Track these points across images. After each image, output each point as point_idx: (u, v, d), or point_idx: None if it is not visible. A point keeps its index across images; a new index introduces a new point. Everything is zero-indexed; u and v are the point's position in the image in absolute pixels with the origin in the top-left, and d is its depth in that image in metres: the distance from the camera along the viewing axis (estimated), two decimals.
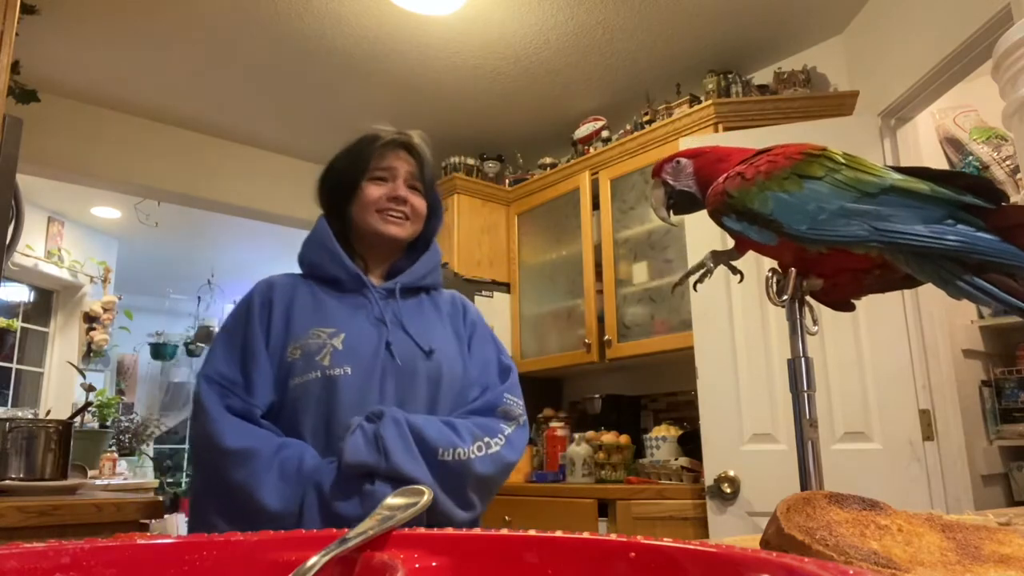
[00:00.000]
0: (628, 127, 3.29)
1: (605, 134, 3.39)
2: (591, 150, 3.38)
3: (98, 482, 4.11)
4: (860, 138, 2.51)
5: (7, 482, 1.65)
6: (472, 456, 1.16)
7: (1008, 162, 2.78)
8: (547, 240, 3.56)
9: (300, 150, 4.03)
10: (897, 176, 0.83)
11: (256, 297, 1.29)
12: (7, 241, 1.80)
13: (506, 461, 1.22)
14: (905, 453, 2.28)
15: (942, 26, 2.28)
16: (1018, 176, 2.74)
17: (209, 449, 1.14)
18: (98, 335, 5.28)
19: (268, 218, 4.11)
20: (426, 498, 0.48)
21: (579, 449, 2.96)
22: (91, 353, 5.27)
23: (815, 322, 0.88)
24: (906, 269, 0.81)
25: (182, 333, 7.08)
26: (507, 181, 3.81)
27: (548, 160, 3.65)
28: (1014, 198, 2.65)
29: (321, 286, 1.31)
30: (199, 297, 6.78)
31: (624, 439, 2.98)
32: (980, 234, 0.77)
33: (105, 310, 5.35)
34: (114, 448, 5.41)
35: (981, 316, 2.90)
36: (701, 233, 2.54)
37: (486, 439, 1.20)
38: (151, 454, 6.43)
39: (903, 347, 2.36)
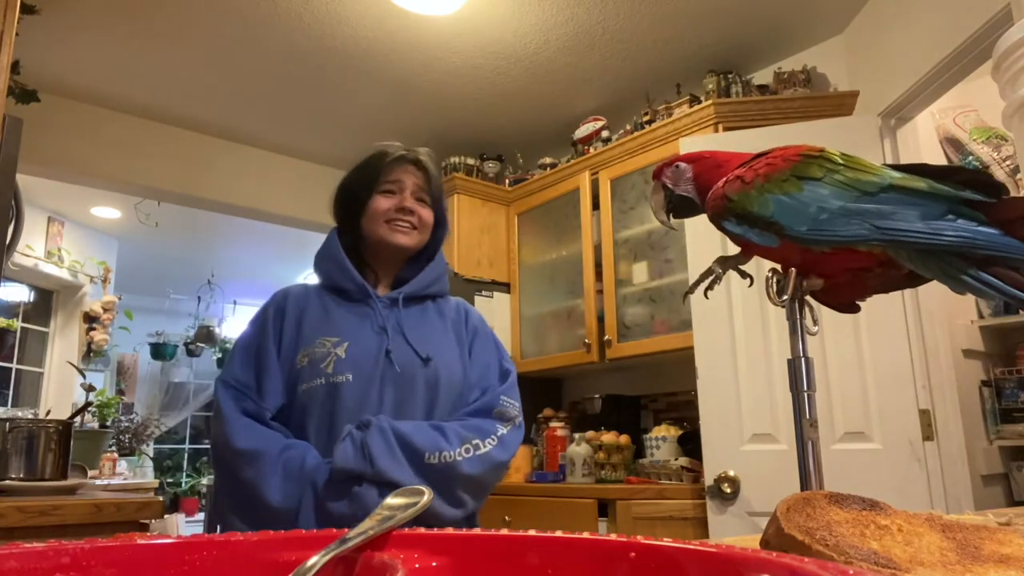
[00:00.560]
0: (628, 127, 3.29)
1: (605, 134, 3.39)
2: (591, 150, 3.38)
3: (98, 482, 4.11)
4: (860, 138, 2.51)
5: (7, 482, 1.65)
6: (459, 458, 1.22)
7: (1008, 162, 2.79)
8: (547, 240, 3.56)
9: (300, 150, 4.03)
10: (896, 175, 0.83)
11: (271, 307, 1.39)
12: (7, 241, 1.80)
13: (496, 461, 1.28)
14: (905, 453, 2.28)
15: (942, 26, 2.28)
16: (1018, 176, 2.74)
17: (223, 449, 1.23)
18: (98, 335, 5.28)
19: (268, 218, 4.11)
20: (426, 498, 0.48)
21: (579, 449, 2.96)
22: (91, 353, 5.28)
23: (815, 322, 0.88)
24: (910, 266, 0.81)
25: (182, 333, 7.08)
26: (507, 181, 3.81)
27: (548, 160, 3.65)
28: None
29: (332, 296, 1.39)
30: (199, 297, 6.78)
31: (624, 439, 2.98)
32: (981, 228, 0.77)
33: (105, 310, 5.35)
34: (114, 448, 5.41)
35: (981, 316, 2.90)
36: (701, 233, 2.54)
37: (475, 440, 1.26)
38: (151, 454, 6.43)
39: (903, 347, 2.36)
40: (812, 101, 2.75)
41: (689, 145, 2.61)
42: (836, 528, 0.49)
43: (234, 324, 7.30)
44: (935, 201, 0.80)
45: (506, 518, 2.89)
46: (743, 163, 0.92)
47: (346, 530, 0.42)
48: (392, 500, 0.48)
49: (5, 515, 1.38)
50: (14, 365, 4.99)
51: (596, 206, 3.29)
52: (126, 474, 5.23)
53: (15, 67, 2.40)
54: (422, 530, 0.44)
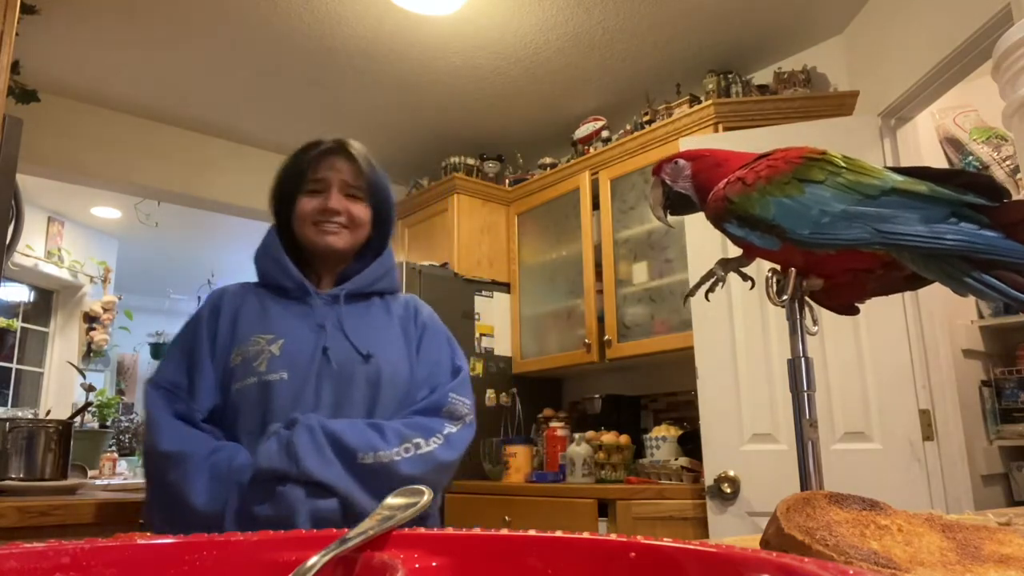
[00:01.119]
0: (628, 127, 3.29)
1: (605, 134, 3.39)
2: (591, 150, 3.38)
3: (98, 482, 4.10)
4: (860, 138, 2.51)
5: (7, 482, 1.65)
6: (396, 458, 1.18)
7: (1008, 162, 2.79)
8: (547, 240, 3.56)
9: None
10: (897, 178, 0.83)
11: (207, 306, 1.35)
12: (7, 241, 1.80)
13: (440, 461, 1.23)
14: (905, 453, 2.28)
15: (942, 26, 2.28)
16: (1018, 176, 2.74)
17: (150, 452, 1.20)
18: (98, 335, 5.28)
19: (268, 218, 4.10)
20: (426, 498, 0.48)
21: (579, 449, 2.96)
22: (91, 353, 5.28)
23: (815, 322, 0.88)
24: (912, 267, 0.81)
25: None
26: (507, 181, 3.81)
27: (548, 160, 3.65)
28: (1015, 198, 2.65)
29: (270, 294, 1.35)
30: (199, 297, 6.75)
31: (624, 439, 2.98)
32: (983, 232, 0.77)
33: (105, 310, 5.35)
34: (114, 448, 5.40)
35: (981, 316, 2.90)
36: (701, 233, 2.54)
37: (417, 439, 1.21)
38: None
39: (903, 347, 2.36)
40: (812, 101, 2.75)
41: (689, 145, 2.60)
42: (836, 528, 0.49)
43: None
44: (937, 204, 0.79)
45: (506, 518, 2.89)
46: (744, 164, 0.92)
47: (346, 530, 0.42)
48: (392, 500, 0.48)
49: (5, 515, 1.38)
50: (14, 365, 4.99)
51: (596, 206, 3.29)
52: (126, 474, 5.22)
53: (15, 67, 2.40)
54: (422, 530, 0.44)
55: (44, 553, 0.35)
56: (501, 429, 3.42)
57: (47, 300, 5.28)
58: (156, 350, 6.95)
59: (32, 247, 4.78)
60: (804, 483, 0.83)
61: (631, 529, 2.49)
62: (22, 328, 5.05)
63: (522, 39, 2.98)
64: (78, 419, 3.12)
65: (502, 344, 3.55)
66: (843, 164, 0.85)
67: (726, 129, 2.75)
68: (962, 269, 0.78)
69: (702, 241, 2.54)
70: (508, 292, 3.63)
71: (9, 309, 4.97)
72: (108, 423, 4.78)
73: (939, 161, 2.95)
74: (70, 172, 3.48)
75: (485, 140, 3.85)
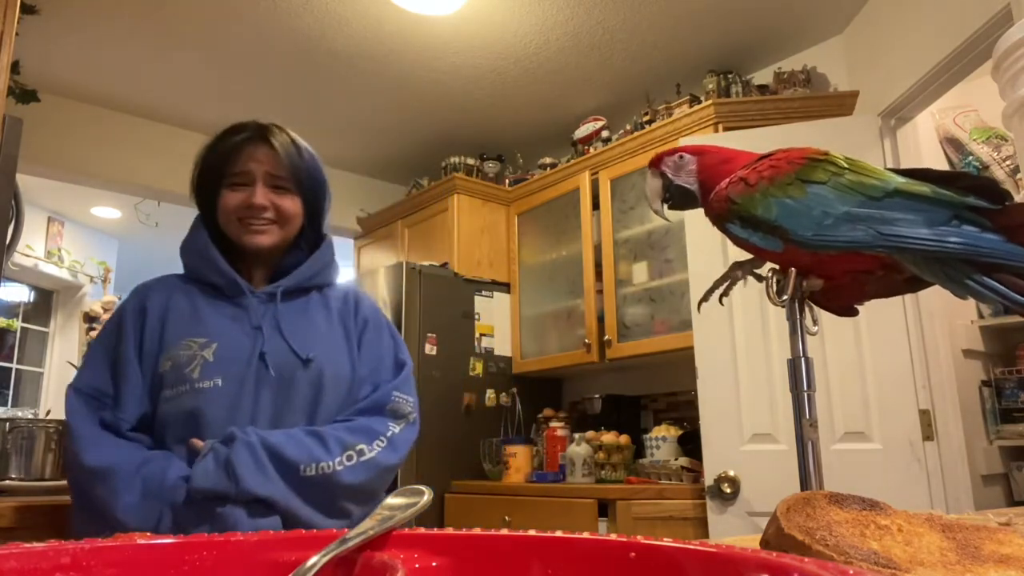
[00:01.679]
0: (628, 127, 3.29)
1: (605, 134, 3.39)
2: (591, 150, 3.38)
3: None
4: (860, 138, 2.51)
5: (7, 482, 1.65)
6: (339, 467, 1.12)
7: (1008, 162, 2.79)
8: (547, 240, 3.56)
9: None
10: (900, 179, 0.83)
11: (129, 304, 1.24)
12: (7, 241, 1.80)
13: (382, 466, 1.17)
14: (905, 453, 2.28)
15: (942, 26, 2.28)
16: (1018, 176, 2.74)
17: (73, 465, 1.11)
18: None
19: None
20: (426, 498, 0.48)
21: (579, 449, 2.96)
22: None
23: (815, 322, 0.88)
24: (914, 270, 0.81)
25: None
26: (507, 181, 3.81)
27: (548, 160, 3.65)
28: (1016, 198, 2.65)
29: (200, 291, 1.25)
30: None
31: (624, 439, 2.98)
32: (985, 235, 0.77)
33: (105, 310, 5.34)
34: None
35: (981, 316, 2.91)
36: (701, 233, 2.54)
37: (359, 446, 1.15)
38: None
39: (903, 347, 2.36)
40: (812, 101, 2.75)
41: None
42: (836, 528, 0.49)
43: None
44: (939, 207, 0.79)
45: (506, 518, 2.89)
46: (748, 164, 0.92)
47: (346, 530, 0.42)
48: (392, 500, 0.48)
49: (5, 515, 1.38)
50: (14, 365, 5.00)
51: (596, 206, 3.29)
52: None
53: (15, 67, 2.40)
54: (422, 530, 0.44)
55: (44, 553, 0.35)
56: (501, 429, 3.42)
57: (47, 300, 5.28)
58: None
59: (32, 247, 4.78)
60: (804, 483, 0.83)
61: (631, 529, 2.49)
62: (22, 328, 5.05)
63: (522, 39, 2.98)
64: None
65: (502, 344, 3.55)
66: (846, 165, 0.85)
67: (726, 129, 2.75)
68: (964, 272, 0.78)
69: (702, 241, 2.54)
70: (508, 292, 3.64)
71: (9, 309, 4.97)
72: None
73: (939, 161, 2.95)
74: (70, 172, 3.48)
75: (485, 140, 3.85)
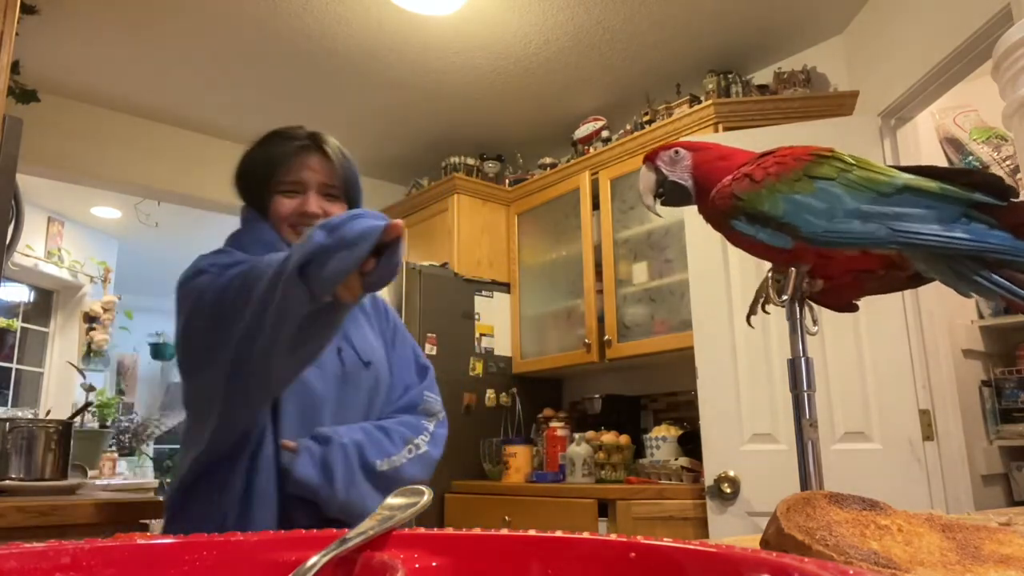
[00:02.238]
0: (628, 127, 3.29)
1: (605, 134, 3.39)
2: (591, 150, 3.38)
3: (98, 482, 4.11)
4: (860, 138, 2.51)
5: (7, 482, 1.65)
6: (404, 461, 1.20)
7: (1008, 162, 2.79)
8: (547, 240, 3.56)
9: None
10: (907, 176, 0.82)
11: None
12: (7, 241, 1.80)
13: (432, 459, 1.26)
14: (905, 453, 2.28)
15: (942, 26, 2.28)
16: (1018, 176, 2.74)
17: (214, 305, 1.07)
18: (98, 335, 5.28)
19: None
20: (426, 498, 0.48)
21: (579, 449, 2.96)
22: (91, 353, 5.28)
23: (815, 322, 0.88)
24: (921, 267, 0.81)
25: None
26: (507, 181, 3.81)
27: (548, 160, 3.65)
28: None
29: None
30: None
31: (624, 439, 2.98)
32: (993, 232, 0.77)
33: (105, 310, 5.35)
34: (114, 448, 5.41)
35: (981, 316, 2.91)
36: (701, 233, 2.54)
37: (416, 440, 1.24)
38: (151, 454, 6.43)
39: (903, 347, 2.36)
40: (812, 101, 2.75)
41: None
42: (836, 528, 0.49)
43: None
44: (949, 203, 0.79)
45: (506, 518, 2.89)
46: (750, 161, 0.90)
47: (345, 530, 0.42)
48: (392, 500, 0.48)
49: (5, 515, 1.38)
50: (14, 365, 5.00)
51: (596, 206, 3.29)
52: (126, 474, 5.23)
53: (15, 67, 2.41)
54: (422, 530, 0.44)
55: (44, 553, 0.35)
56: (501, 429, 3.42)
57: (47, 300, 5.28)
58: (156, 350, 6.97)
59: (32, 247, 4.78)
60: (804, 483, 0.83)
61: (631, 529, 2.49)
62: (22, 328, 5.05)
63: (522, 39, 2.98)
64: (78, 419, 3.12)
65: (502, 344, 3.55)
66: (853, 162, 0.85)
67: (726, 129, 2.75)
68: (972, 269, 0.78)
69: (702, 241, 2.54)
70: (508, 292, 3.64)
71: (9, 309, 4.97)
72: (108, 423, 4.79)
73: (939, 161, 2.95)
74: (70, 172, 3.48)
75: (485, 140, 3.85)
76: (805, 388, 0.86)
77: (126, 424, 5.96)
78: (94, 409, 4.55)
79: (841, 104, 2.72)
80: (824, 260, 0.84)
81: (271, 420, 1.14)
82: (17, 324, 4.95)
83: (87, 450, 4.00)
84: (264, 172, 1.27)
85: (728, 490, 2.39)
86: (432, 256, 3.59)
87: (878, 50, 2.67)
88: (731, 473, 2.41)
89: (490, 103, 3.50)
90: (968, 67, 2.28)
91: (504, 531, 0.42)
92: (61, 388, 5.12)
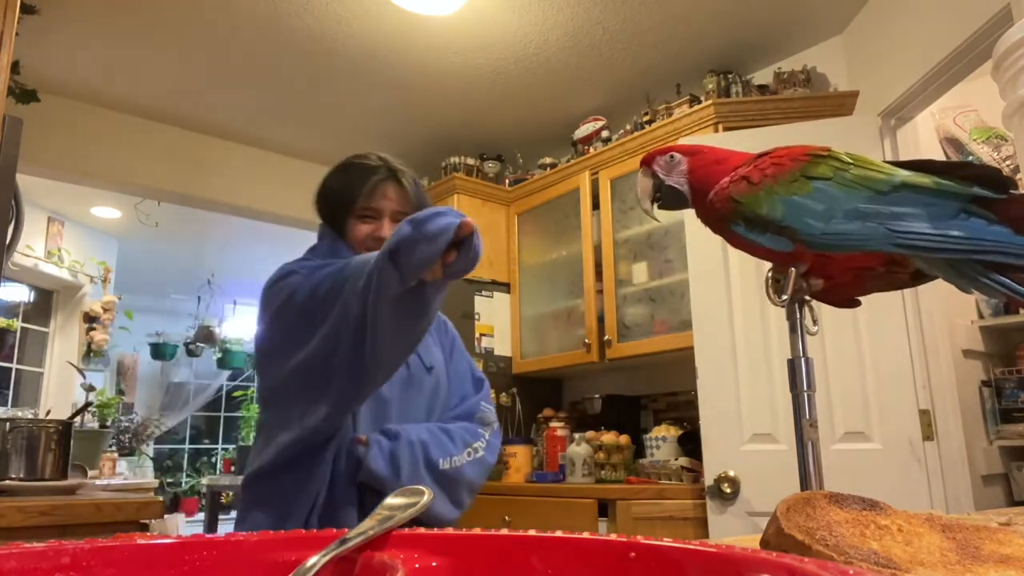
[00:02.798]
0: (628, 127, 3.29)
1: (605, 134, 3.39)
2: (591, 150, 3.38)
3: (98, 482, 4.11)
4: (860, 138, 2.51)
5: (7, 482, 1.65)
6: (463, 462, 1.29)
7: (1008, 162, 2.79)
8: (547, 240, 3.56)
9: (300, 150, 4.03)
10: (905, 173, 0.82)
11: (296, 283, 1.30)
12: (7, 241, 1.80)
13: (488, 464, 1.35)
14: (905, 453, 2.29)
15: (942, 26, 2.28)
16: (1018, 176, 2.74)
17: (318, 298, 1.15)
18: (98, 335, 5.28)
19: (268, 218, 4.11)
20: (426, 498, 0.48)
21: (579, 449, 2.96)
22: (91, 353, 5.28)
23: (815, 322, 0.88)
24: (921, 266, 0.80)
25: (182, 333, 7.08)
26: (507, 181, 3.81)
27: (548, 160, 3.65)
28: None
29: None
30: (199, 297, 6.78)
31: (624, 439, 2.98)
32: (992, 228, 0.76)
33: (105, 310, 5.35)
34: (114, 448, 5.41)
35: (981, 316, 2.91)
36: (701, 233, 2.53)
37: (474, 444, 1.32)
38: (151, 454, 6.44)
39: (903, 347, 2.36)
40: (812, 101, 2.75)
41: None
42: (836, 528, 0.49)
43: (234, 324, 7.30)
44: (947, 199, 0.79)
45: (506, 518, 2.89)
46: (745, 163, 0.91)
47: (345, 530, 0.42)
48: (392, 500, 0.48)
49: (5, 515, 1.38)
50: (14, 365, 5.00)
51: (596, 206, 3.29)
52: (126, 474, 5.23)
53: (15, 67, 2.41)
54: (422, 530, 0.44)
55: (44, 553, 0.35)
56: (501, 429, 3.42)
57: (47, 300, 5.27)
58: (156, 350, 6.97)
59: (32, 247, 4.78)
60: (804, 483, 0.83)
61: (631, 529, 2.49)
62: (22, 328, 5.05)
63: (522, 39, 2.98)
64: (78, 419, 3.12)
65: (502, 344, 3.55)
66: (849, 160, 0.84)
67: (726, 129, 2.75)
68: (973, 268, 0.78)
69: (702, 241, 2.54)
70: (508, 292, 3.64)
71: (9, 309, 4.97)
72: (108, 423, 4.79)
73: None
74: (70, 172, 3.48)
75: (485, 140, 3.85)
76: (805, 388, 0.86)
77: (126, 424, 5.97)
78: (94, 409, 4.55)
79: (841, 104, 2.72)
80: (824, 259, 0.83)
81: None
82: (17, 324, 4.95)
83: (87, 450, 4.01)
84: (345, 198, 1.37)
85: (728, 490, 2.40)
86: None
87: (878, 50, 2.68)
88: (731, 473, 2.41)
89: (490, 103, 3.50)
90: (968, 67, 2.28)
91: (504, 531, 0.42)
92: (61, 388, 5.12)
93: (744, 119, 2.77)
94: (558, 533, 0.41)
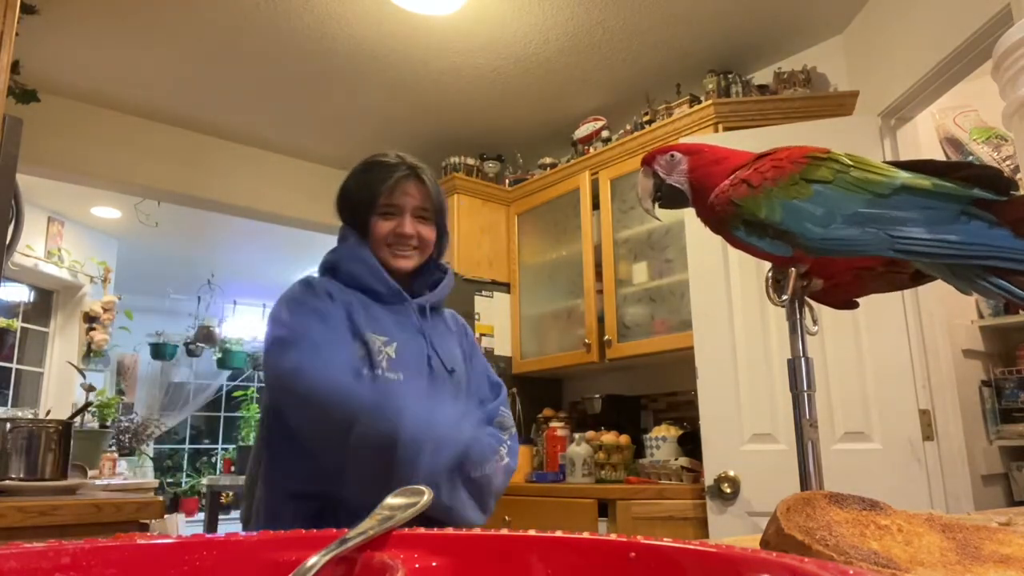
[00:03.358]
0: (628, 127, 3.29)
1: (605, 134, 3.39)
2: (591, 150, 3.38)
3: (98, 482, 4.11)
4: (860, 138, 2.51)
5: (7, 482, 1.65)
6: (492, 470, 1.29)
7: (1008, 162, 2.79)
8: (547, 240, 3.56)
9: (300, 150, 4.03)
10: (905, 175, 0.81)
11: (321, 289, 1.32)
12: (7, 241, 1.80)
13: (512, 469, 1.35)
14: (905, 453, 2.28)
15: (942, 26, 2.28)
16: (1018, 176, 2.73)
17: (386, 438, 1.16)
18: (98, 335, 5.28)
19: (268, 218, 4.11)
20: (426, 498, 0.48)
21: (579, 449, 2.96)
22: (91, 353, 5.28)
23: (815, 322, 0.88)
24: (922, 268, 0.80)
25: (182, 333, 7.08)
26: (507, 181, 3.81)
27: (548, 160, 3.65)
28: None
29: (363, 296, 1.36)
30: (199, 297, 6.78)
31: (624, 439, 2.98)
32: (993, 231, 0.76)
33: (105, 310, 5.35)
34: (114, 448, 5.41)
35: (981, 316, 2.90)
36: (701, 233, 2.53)
37: (500, 449, 1.32)
38: (151, 454, 6.43)
39: (903, 347, 2.36)
40: (812, 101, 2.75)
41: None
42: (836, 528, 0.49)
43: (234, 324, 7.30)
44: (947, 202, 0.78)
45: (506, 518, 2.89)
46: (744, 164, 0.90)
47: (345, 530, 0.42)
48: (392, 500, 0.48)
49: (5, 515, 1.38)
50: (14, 365, 4.99)
51: (596, 206, 3.29)
52: (126, 474, 5.23)
53: (15, 67, 2.40)
54: (422, 530, 0.44)
55: (44, 553, 0.35)
56: (517, 434, 3.42)
57: (47, 300, 5.27)
58: (156, 350, 6.97)
59: (32, 247, 4.78)
60: (804, 483, 0.83)
61: (631, 529, 2.49)
62: (22, 328, 5.05)
63: (522, 39, 2.98)
64: (78, 419, 3.12)
65: (502, 344, 3.55)
66: (850, 162, 0.84)
67: (726, 129, 2.75)
68: (973, 272, 0.77)
69: (702, 241, 2.54)
70: (508, 292, 3.63)
71: (9, 309, 4.97)
72: (108, 423, 4.79)
73: None
74: (70, 172, 3.48)
75: (485, 140, 3.85)
76: (805, 388, 0.86)
77: (126, 424, 5.97)
78: (94, 409, 4.55)
79: (841, 104, 2.72)
80: (824, 259, 0.83)
81: None
82: (17, 324, 4.95)
83: (87, 450, 4.00)
84: (367, 196, 1.39)
85: (728, 490, 2.39)
86: None
87: (878, 50, 2.67)
88: (731, 473, 2.41)
89: (490, 103, 3.50)
90: (968, 67, 2.28)
91: (504, 531, 0.42)
92: (61, 388, 5.12)
93: (744, 119, 2.77)
94: (558, 533, 0.41)
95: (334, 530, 0.43)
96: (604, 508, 2.66)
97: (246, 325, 7.38)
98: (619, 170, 3.20)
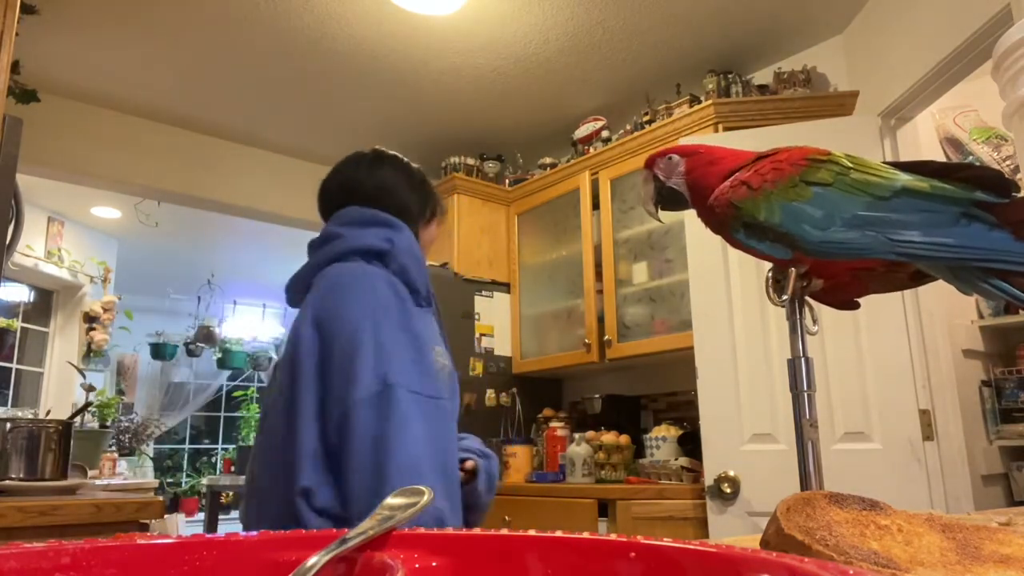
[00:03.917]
0: (628, 127, 3.29)
1: (605, 134, 3.39)
2: (591, 150, 3.38)
3: (98, 482, 4.11)
4: (860, 138, 2.51)
5: (7, 482, 1.65)
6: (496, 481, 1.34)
7: (1008, 162, 2.79)
8: (547, 240, 3.56)
9: (300, 150, 4.03)
10: (906, 177, 0.81)
11: (407, 296, 1.19)
12: (7, 241, 1.80)
13: (497, 479, 1.37)
14: (905, 453, 2.28)
15: (942, 26, 2.28)
16: (1018, 176, 2.73)
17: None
18: (98, 335, 5.28)
19: (268, 218, 4.11)
20: (426, 498, 0.48)
21: (579, 449, 2.96)
22: (91, 353, 5.28)
23: (815, 322, 0.88)
24: (925, 270, 0.80)
25: (182, 333, 7.08)
26: (507, 181, 3.81)
27: (548, 160, 3.65)
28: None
29: (407, 294, 1.22)
30: (199, 297, 6.78)
31: (624, 439, 2.98)
32: (993, 233, 0.76)
33: (105, 310, 5.35)
34: (114, 448, 5.41)
35: (981, 316, 2.90)
36: (701, 233, 2.53)
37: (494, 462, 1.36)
38: (151, 454, 6.43)
39: (903, 347, 2.36)
40: (812, 101, 2.75)
41: None
42: (836, 528, 0.49)
43: (234, 324, 7.30)
44: (948, 204, 0.78)
45: (506, 518, 2.89)
46: (743, 165, 0.90)
47: (345, 530, 0.42)
48: (392, 500, 0.48)
49: (5, 515, 1.38)
50: (14, 365, 4.99)
51: (596, 206, 3.29)
52: (126, 474, 5.23)
53: (15, 67, 2.40)
54: (422, 530, 0.44)
55: (44, 553, 0.35)
56: (501, 429, 3.42)
57: (47, 300, 5.27)
58: (156, 350, 6.97)
59: (32, 247, 4.78)
60: (804, 483, 0.83)
61: (631, 529, 2.49)
62: (22, 328, 5.05)
63: (522, 39, 2.98)
64: (78, 419, 3.12)
65: (502, 344, 3.55)
66: (850, 164, 0.83)
67: (726, 129, 2.75)
68: (974, 274, 0.77)
69: (702, 241, 2.54)
70: (508, 292, 3.64)
71: (9, 309, 4.97)
72: (108, 423, 4.79)
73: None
74: (70, 172, 3.48)
75: (485, 140, 3.85)
76: (805, 388, 0.86)
77: (126, 424, 5.97)
78: (94, 409, 4.55)
79: (841, 104, 2.72)
80: (824, 261, 0.83)
81: None
82: (17, 324, 4.95)
83: (87, 450, 4.00)
84: (429, 205, 1.41)
85: (728, 490, 2.39)
86: (432, 256, 3.58)
87: (878, 50, 2.67)
88: (731, 473, 2.41)
89: (490, 103, 3.50)
90: (968, 67, 2.28)
91: (504, 531, 0.42)
92: (61, 388, 5.12)
93: (744, 119, 2.77)
94: (558, 533, 0.41)
95: (334, 530, 0.43)
96: (604, 508, 2.66)
97: (246, 325, 7.38)
98: (619, 170, 3.20)
